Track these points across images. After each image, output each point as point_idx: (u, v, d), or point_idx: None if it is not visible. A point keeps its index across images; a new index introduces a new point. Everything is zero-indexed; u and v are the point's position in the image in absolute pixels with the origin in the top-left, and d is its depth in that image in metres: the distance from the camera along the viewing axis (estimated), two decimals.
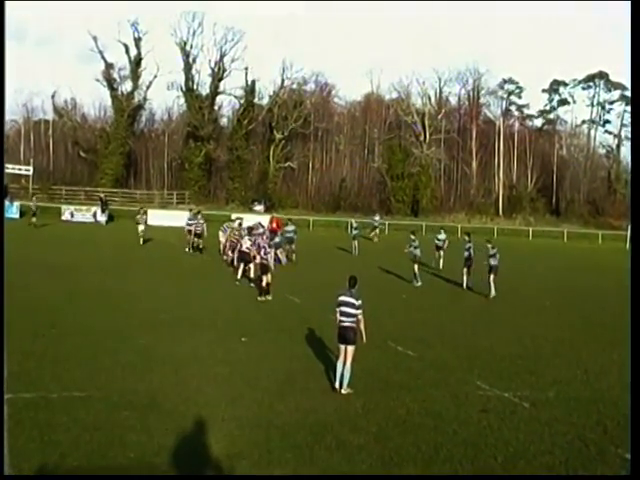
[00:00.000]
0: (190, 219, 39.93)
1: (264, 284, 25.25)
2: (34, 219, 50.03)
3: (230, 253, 33.24)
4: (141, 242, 40.49)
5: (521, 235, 70.54)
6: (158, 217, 58.98)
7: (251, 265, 28.08)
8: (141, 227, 41.14)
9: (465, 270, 30.17)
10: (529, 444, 11.99)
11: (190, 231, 39.13)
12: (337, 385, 14.27)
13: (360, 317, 14.30)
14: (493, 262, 28.57)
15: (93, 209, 61.85)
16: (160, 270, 30.87)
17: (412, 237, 32.03)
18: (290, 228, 39.14)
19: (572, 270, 41.64)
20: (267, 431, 11.91)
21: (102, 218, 59.48)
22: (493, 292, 28.03)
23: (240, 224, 35.05)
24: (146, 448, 10.93)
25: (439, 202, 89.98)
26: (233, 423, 12.16)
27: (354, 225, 47.86)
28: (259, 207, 78.64)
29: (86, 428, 11.57)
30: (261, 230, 31.52)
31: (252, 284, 27.28)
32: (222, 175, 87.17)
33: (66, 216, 58.98)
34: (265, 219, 61.97)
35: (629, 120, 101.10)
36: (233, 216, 58.83)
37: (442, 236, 38.65)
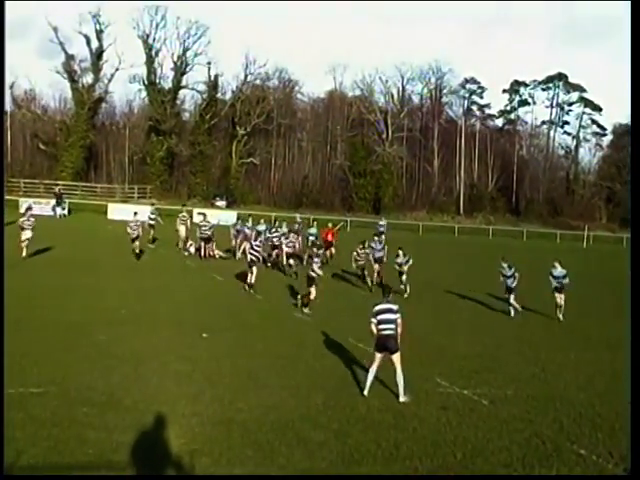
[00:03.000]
0: (152, 213, 40.13)
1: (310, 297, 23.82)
2: None
3: (191, 248, 33.58)
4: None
5: (481, 234, 71.19)
6: (119, 211, 58.39)
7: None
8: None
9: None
10: (487, 441, 12.13)
11: (151, 225, 38.93)
12: (366, 392, 14.18)
13: (399, 321, 14.28)
14: (511, 283, 25.70)
15: (52, 202, 61.01)
16: (121, 265, 30.57)
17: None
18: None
19: (531, 270, 42.12)
20: (228, 428, 11.88)
21: (60, 212, 58.57)
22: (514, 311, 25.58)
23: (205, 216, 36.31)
24: (105, 445, 10.84)
25: (401, 200, 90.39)
26: (194, 420, 12.12)
27: (381, 223, 48.23)
28: (221, 202, 78.30)
29: (43, 425, 11.44)
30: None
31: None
32: (184, 170, 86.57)
33: (24, 209, 58.03)
34: (228, 214, 62.00)
35: (587, 121, 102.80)
36: (195, 210, 58.78)
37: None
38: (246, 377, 14.99)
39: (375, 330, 14.24)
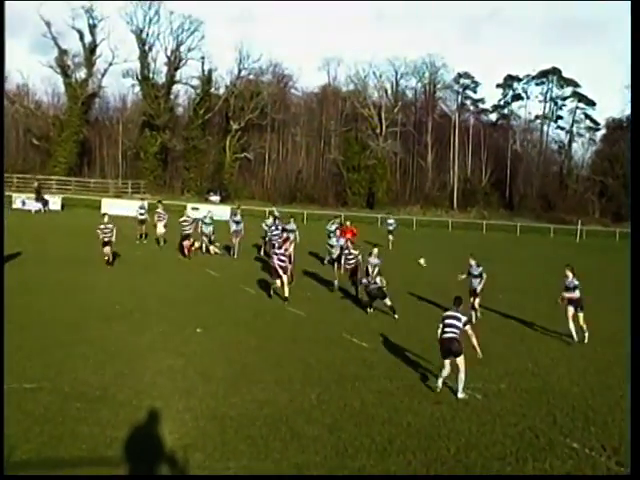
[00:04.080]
0: (141, 208, 39.64)
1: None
2: None
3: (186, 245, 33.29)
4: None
5: (475, 228, 71.23)
6: (113, 206, 58.41)
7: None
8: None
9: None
10: (481, 435, 12.17)
11: (142, 221, 38.71)
12: (439, 385, 14.53)
13: (470, 332, 14.51)
14: (477, 284, 22.83)
15: (46, 197, 60.84)
16: (114, 261, 30.51)
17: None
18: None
19: (524, 264, 42.23)
20: (221, 423, 11.89)
21: (38, 206, 57.50)
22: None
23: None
24: (98, 440, 10.84)
25: (395, 195, 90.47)
26: (187, 415, 12.12)
27: (390, 221, 45.20)
28: (215, 197, 78.33)
29: (36, 420, 11.43)
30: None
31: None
32: (178, 165, 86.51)
33: (17, 204, 57.89)
34: (222, 209, 61.89)
35: (581, 116, 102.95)
36: (189, 205, 58.61)
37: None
38: (240, 372, 15.00)
39: (439, 335, 14.64)
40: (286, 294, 23.54)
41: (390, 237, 43.41)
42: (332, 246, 30.69)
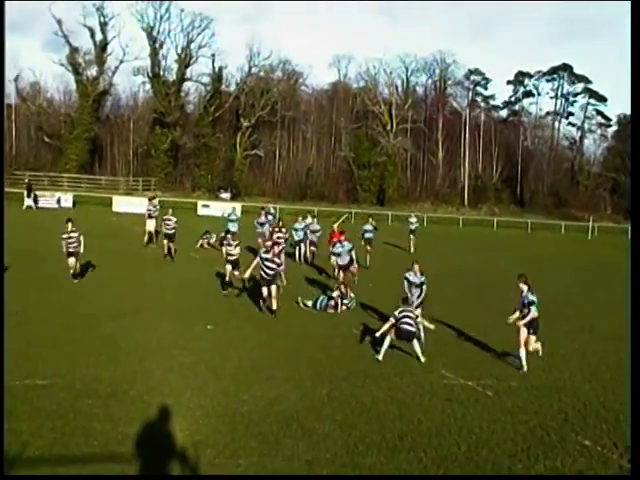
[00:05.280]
0: (155, 206, 37.11)
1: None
2: None
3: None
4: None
5: (486, 225, 71.05)
6: (124, 204, 58.61)
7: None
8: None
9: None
10: (492, 432, 12.14)
11: (151, 217, 36.10)
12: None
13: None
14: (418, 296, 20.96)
15: (57, 195, 61.05)
16: (125, 258, 30.59)
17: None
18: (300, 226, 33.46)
19: (535, 261, 42.09)
20: (232, 420, 11.91)
21: (28, 202, 56.22)
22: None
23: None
24: (110, 437, 10.88)
25: (405, 192, 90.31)
26: (198, 412, 12.15)
27: (412, 220, 41.25)
28: (225, 195, 78.39)
29: (48, 416, 11.48)
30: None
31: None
32: (188, 162, 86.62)
33: (29, 202, 58.03)
34: (232, 207, 61.86)
35: (592, 112, 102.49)
36: (200, 203, 58.54)
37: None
38: (250, 369, 15.02)
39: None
40: (274, 306, 20.57)
41: (411, 237, 40.18)
42: (337, 254, 25.98)
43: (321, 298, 22.33)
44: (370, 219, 35.95)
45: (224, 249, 24.90)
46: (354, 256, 25.51)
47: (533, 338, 16.40)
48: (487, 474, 10.51)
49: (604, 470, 10.91)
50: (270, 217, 37.22)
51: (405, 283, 18.96)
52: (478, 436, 11.90)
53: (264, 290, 20.83)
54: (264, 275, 20.77)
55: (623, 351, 18.68)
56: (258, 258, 21.36)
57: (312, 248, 32.54)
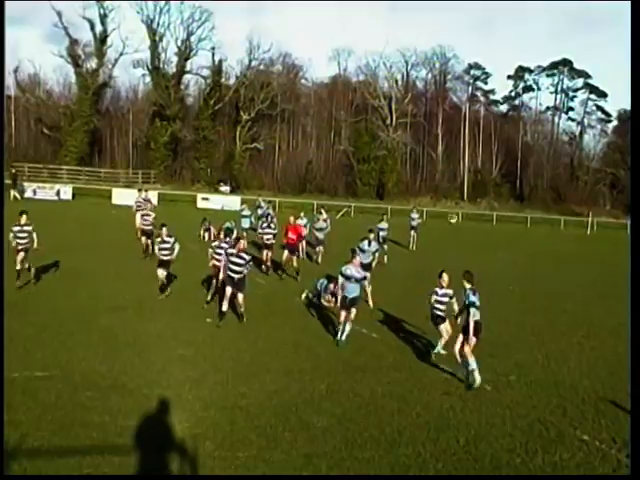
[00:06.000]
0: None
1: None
2: None
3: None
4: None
5: (485, 220, 71.08)
6: (124, 196, 58.55)
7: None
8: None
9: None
10: (490, 426, 12.15)
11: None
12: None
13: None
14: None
15: (56, 187, 61.02)
16: (124, 251, 30.55)
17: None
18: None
19: (535, 256, 42.12)
20: (231, 412, 11.92)
21: (13, 194, 55.23)
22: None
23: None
24: (108, 429, 10.88)
25: (405, 186, 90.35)
26: (197, 404, 12.16)
27: (414, 216, 40.12)
28: (225, 188, 78.44)
29: (47, 408, 11.48)
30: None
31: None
32: (188, 155, 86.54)
33: (29, 193, 58.05)
34: (232, 200, 61.89)
35: (592, 108, 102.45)
36: (199, 196, 58.31)
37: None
38: (249, 362, 15.03)
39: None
40: (224, 308, 18.39)
41: (412, 233, 39.33)
42: (363, 251, 24.08)
43: (322, 280, 22.10)
44: (385, 216, 35.01)
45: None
46: (377, 257, 25.09)
47: (472, 342, 14.31)
48: (485, 468, 10.52)
49: (602, 464, 10.93)
50: (260, 210, 37.26)
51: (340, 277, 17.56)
52: (476, 430, 11.92)
53: (228, 290, 18.49)
54: (230, 273, 18.73)
55: (622, 346, 18.72)
56: (224, 255, 19.38)
57: (319, 248, 31.21)
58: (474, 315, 14.33)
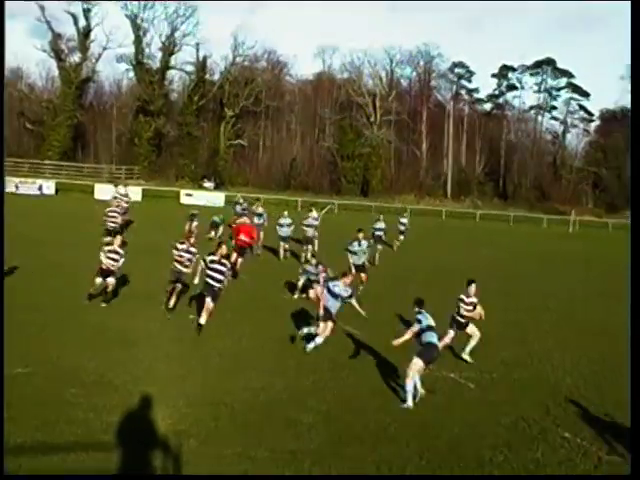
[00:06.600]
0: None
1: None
2: None
3: None
4: None
5: (469, 218, 71.34)
6: (107, 192, 58.22)
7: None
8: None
9: None
10: (474, 424, 12.25)
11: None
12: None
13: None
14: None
15: (38, 182, 60.66)
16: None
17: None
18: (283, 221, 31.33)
19: (519, 254, 42.34)
20: (216, 409, 11.93)
21: None
22: None
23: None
24: (93, 425, 10.86)
25: (389, 183, 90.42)
26: (182, 401, 12.15)
27: (403, 221, 38.76)
28: (209, 184, 78.28)
29: (32, 405, 11.44)
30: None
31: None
32: (172, 151, 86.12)
33: (11, 188, 57.65)
34: (215, 196, 61.78)
35: (575, 107, 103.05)
36: (183, 192, 57.89)
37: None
38: (235, 359, 15.05)
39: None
40: (203, 320, 17.05)
41: (401, 238, 37.82)
42: (353, 252, 24.33)
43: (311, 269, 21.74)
44: (381, 216, 33.97)
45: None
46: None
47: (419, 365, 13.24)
48: (469, 465, 10.60)
49: (583, 461, 11.05)
50: (239, 207, 36.75)
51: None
52: (460, 428, 12.01)
53: (208, 301, 17.22)
54: (211, 282, 17.45)
55: (604, 344, 18.93)
56: (202, 262, 17.93)
57: (309, 246, 30.11)
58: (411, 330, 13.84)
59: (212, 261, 17.47)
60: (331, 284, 16.54)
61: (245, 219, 30.40)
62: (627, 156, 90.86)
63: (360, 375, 14.55)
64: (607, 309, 24.78)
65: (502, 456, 10.99)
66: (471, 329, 16.64)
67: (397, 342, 13.84)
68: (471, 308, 16.63)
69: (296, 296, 22.17)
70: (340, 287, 16.60)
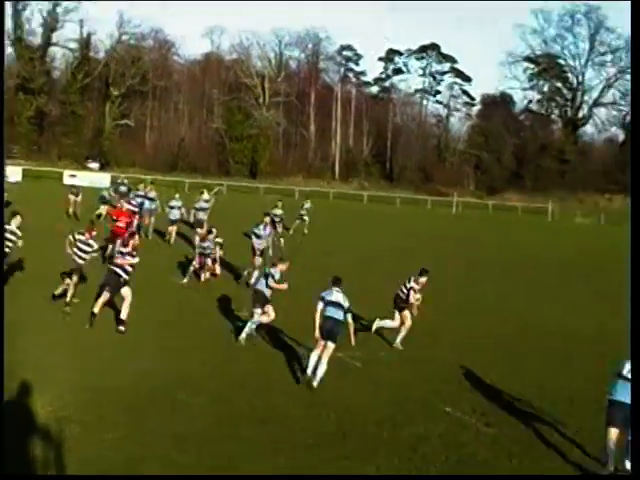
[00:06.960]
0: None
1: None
2: None
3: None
4: None
5: (356, 199, 72.33)
6: None
7: None
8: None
9: None
10: (360, 401, 12.50)
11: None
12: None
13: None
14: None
15: None
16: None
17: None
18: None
19: (406, 236, 43.22)
20: (101, 395, 11.67)
21: None
22: None
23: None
24: None
25: (277, 164, 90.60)
26: (65, 387, 11.82)
27: (307, 206, 38.20)
28: (94, 164, 76.40)
29: None
30: None
31: None
32: (55, 130, 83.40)
33: None
34: (101, 177, 60.14)
35: (458, 91, 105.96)
36: (66, 172, 55.91)
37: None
38: (124, 343, 14.78)
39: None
40: (124, 315, 15.88)
41: (297, 222, 37.08)
42: (258, 236, 23.28)
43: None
44: (280, 203, 33.22)
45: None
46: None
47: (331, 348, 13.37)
48: (353, 441, 10.80)
49: (464, 433, 11.47)
50: (123, 187, 34.88)
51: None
52: (347, 405, 12.22)
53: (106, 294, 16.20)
54: (120, 272, 16.32)
55: (490, 324, 19.72)
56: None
57: (199, 230, 27.42)
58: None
59: (123, 252, 16.65)
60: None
61: (125, 203, 28.50)
62: (506, 139, 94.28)
63: (249, 356, 14.59)
64: (493, 286, 25.76)
65: (386, 432, 11.26)
66: (405, 314, 16.84)
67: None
68: (407, 292, 17.01)
69: (185, 280, 21.94)
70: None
